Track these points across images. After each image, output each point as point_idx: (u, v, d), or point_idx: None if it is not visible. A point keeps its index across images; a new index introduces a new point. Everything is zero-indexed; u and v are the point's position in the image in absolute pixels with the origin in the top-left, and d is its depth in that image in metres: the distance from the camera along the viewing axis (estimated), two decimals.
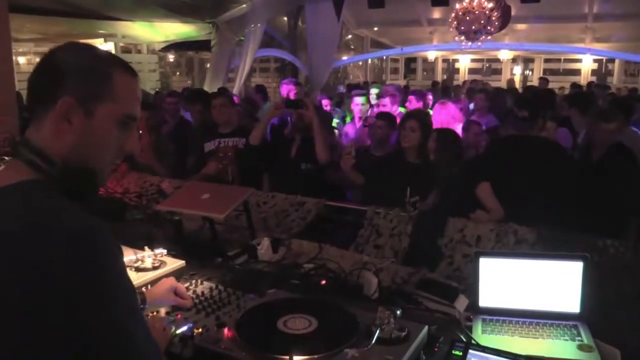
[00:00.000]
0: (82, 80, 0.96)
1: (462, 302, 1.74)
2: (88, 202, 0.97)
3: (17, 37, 9.00)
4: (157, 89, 10.33)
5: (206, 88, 8.86)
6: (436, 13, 13.89)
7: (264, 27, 9.82)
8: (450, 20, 10.73)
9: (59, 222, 0.87)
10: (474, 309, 1.71)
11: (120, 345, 0.88)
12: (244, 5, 8.81)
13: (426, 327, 1.42)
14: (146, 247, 1.92)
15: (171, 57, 14.77)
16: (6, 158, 2.89)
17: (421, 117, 3.44)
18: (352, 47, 16.87)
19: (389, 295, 1.83)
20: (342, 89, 10.41)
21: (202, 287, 1.74)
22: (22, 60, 11.51)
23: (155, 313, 1.54)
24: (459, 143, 3.36)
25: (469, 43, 10.94)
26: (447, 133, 3.32)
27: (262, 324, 1.40)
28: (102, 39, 10.68)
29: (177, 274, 1.83)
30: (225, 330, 1.36)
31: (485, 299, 1.70)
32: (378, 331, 1.29)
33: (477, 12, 10.46)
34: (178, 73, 15.69)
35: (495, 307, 1.69)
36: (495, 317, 1.66)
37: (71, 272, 0.84)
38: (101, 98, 0.98)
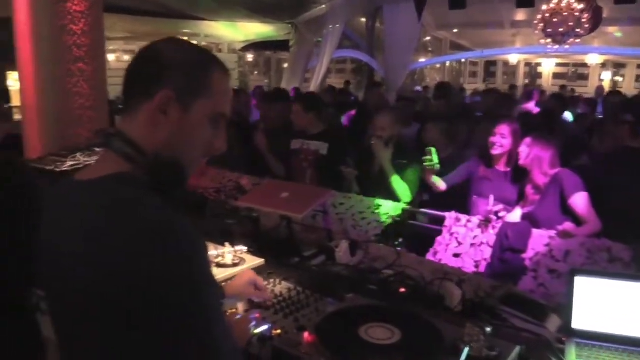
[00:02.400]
0: (183, 75, 0.97)
1: (554, 322, 1.62)
2: (175, 197, 0.97)
3: (108, 36, 9.50)
4: (236, 87, 10.60)
5: (283, 88, 8.99)
6: (520, 15, 13.33)
7: (342, 28, 9.81)
8: (535, 22, 10.24)
9: (144, 216, 0.87)
10: (567, 331, 1.58)
11: (201, 339, 0.88)
12: (324, 6, 8.85)
13: (518, 348, 1.32)
14: (227, 243, 1.93)
15: (250, 57, 15.12)
16: (97, 149, 3.04)
17: (512, 123, 3.29)
18: (429, 49, 16.55)
19: (473, 309, 1.73)
20: (419, 88, 10.21)
21: (281, 287, 1.72)
22: (111, 57, 12.17)
23: (234, 310, 1.54)
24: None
25: (556, 46, 10.40)
26: (543, 138, 3.12)
27: (344, 330, 1.35)
28: (185, 38, 11.08)
29: (255, 272, 1.82)
30: (306, 334, 1.33)
31: (580, 321, 1.57)
32: (467, 349, 1.21)
33: (565, 14, 9.93)
34: (256, 72, 16.04)
35: (591, 330, 1.55)
36: (591, 342, 1.53)
37: (155, 266, 0.84)
38: (199, 94, 0.98)
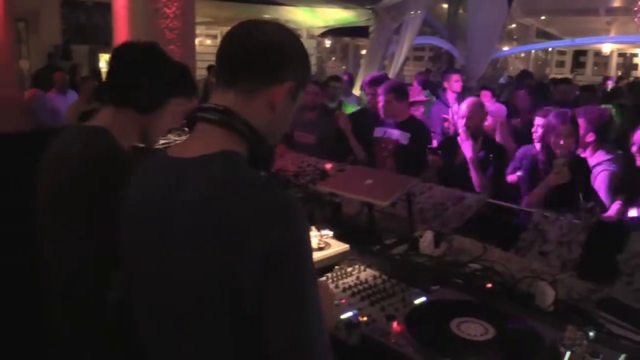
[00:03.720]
0: (301, 68, 1.04)
1: None
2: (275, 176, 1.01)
3: None
4: (314, 74, 10.67)
5: (361, 75, 8.93)
6: (617, 1, 12.45)
7: (423, 14, 9.57)
8: (636, 8, 9.51)
9: (269, 195, 0.90)
10: None
11: (301, 323, 0.89)
12: None
13: (623, 356, 1.23)
14: (313, 227, 1.93)
15: (327, 43, 15.10)
16: (187, 129, 3.14)
17: (572, 119, 3.09)
18: (514, 37, 15.81)
19: (566, 311, 1.64)
20: (503, 80, 9.77)
21: (366, 274, 1.71)
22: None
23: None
24: None
25: None
26: None
27: (434, 323, 1.32)
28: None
29: (340, 258, 1.82)
30: (395, 324, 1.31)
31: None
32: (569, 353, 1.14)
33: None
34: (334, 58, 15.99)
35: None
36: None
37: (270, 242, 0.86)
38: (304, 86, 1.06)
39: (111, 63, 1.48)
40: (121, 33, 3.52)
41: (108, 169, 1.31)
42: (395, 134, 3.63)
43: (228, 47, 1.03)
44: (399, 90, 3.72)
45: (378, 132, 3.74)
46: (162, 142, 2.84)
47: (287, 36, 1.04)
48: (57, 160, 1.41)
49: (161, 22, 3.44)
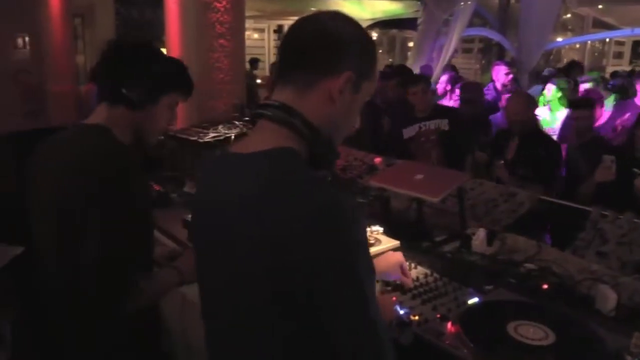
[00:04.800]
0: (360, 57, 0.98)
1: None
2: (332, 175, 0.97)
3: None
4: None
5: (409, 66, 8.78)
6: None
7: (474, 5, 9.32)
8: None
9: (312, 194, 0.87)
10: None
11: (359, 321, 0.87)
12: None
13: None
14: None
15: (374, 35, 14.94)
16: (236, 122, 3.17)
17: None
18: (569, 27, 15.19)
19: (628, 316, 1.56)
20: (547, 72, 9.39)
21: (416, 271, 1.68)
22: None
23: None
24: None
25: None
26: None
27: (491, 325, 1.27)
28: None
29: None
30: (449, 325, 1.28)
31: None
32: None
33: None
34: (380, 51, 15.81)
35: None
36: None
37: (316, 246, 0.83)
38: (368, 76, 1.00)
39: (100, 62, 1.46)
40: (173, 27, 3.58)
41: (105, 168, 1.29)
42: (433, 123, 3.62)
43: (284, 43, 1.01)
44: (428, 81, 3.79)
45: (410, 131, 3.69)
46: (212, 134, 2.88)
47: (344, 25, 0.99)
48: (52, 158, 1.37)
49: (212, 16, 3.48)
